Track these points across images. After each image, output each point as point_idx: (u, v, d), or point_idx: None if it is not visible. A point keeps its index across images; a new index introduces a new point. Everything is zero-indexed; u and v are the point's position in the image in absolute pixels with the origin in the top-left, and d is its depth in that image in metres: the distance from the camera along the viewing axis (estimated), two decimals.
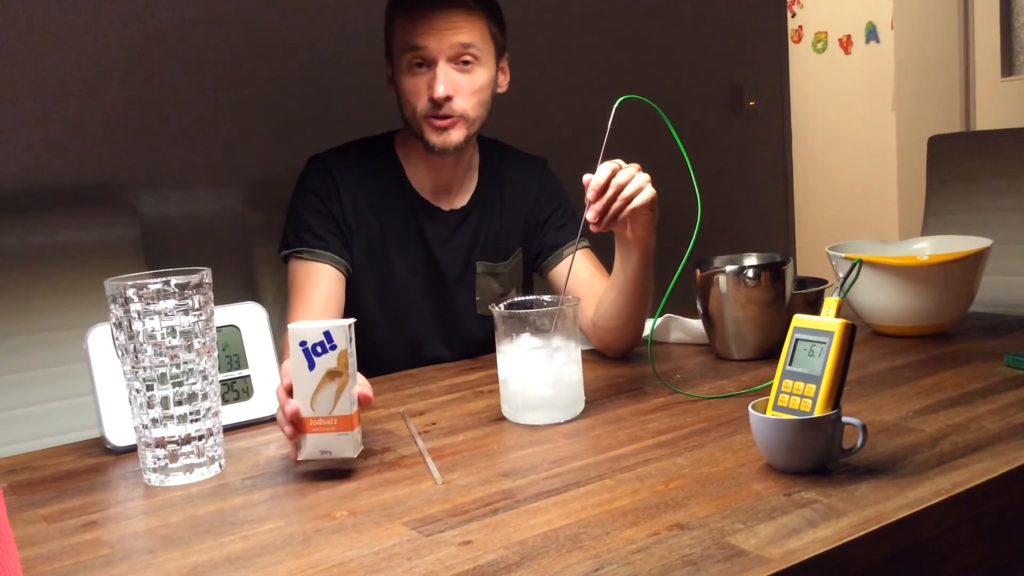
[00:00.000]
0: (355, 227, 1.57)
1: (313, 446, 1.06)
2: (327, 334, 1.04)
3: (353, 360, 1.07)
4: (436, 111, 1.48)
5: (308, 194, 1.56)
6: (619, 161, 1.29)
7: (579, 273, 1.57)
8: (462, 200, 1.64)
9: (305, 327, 1.05)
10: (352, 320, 1.08)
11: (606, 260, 1.50)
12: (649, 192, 1.29)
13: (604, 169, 1.27)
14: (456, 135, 1.51)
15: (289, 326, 1.06)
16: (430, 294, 1.62)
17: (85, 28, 1.80)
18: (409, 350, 1.62)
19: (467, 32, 1.47)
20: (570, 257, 1.55)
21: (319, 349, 1.05)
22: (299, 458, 1.06)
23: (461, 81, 1.48)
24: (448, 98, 1.47)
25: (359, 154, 1.61)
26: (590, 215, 1.27)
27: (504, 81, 1.59)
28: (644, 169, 1.31)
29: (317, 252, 1.52)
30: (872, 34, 4.31)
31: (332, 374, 1.05)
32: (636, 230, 1.34)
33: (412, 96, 1.50)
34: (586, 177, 1.27)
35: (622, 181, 1.27)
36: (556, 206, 1.69)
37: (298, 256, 1.53)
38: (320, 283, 1.50)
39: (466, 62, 1.48)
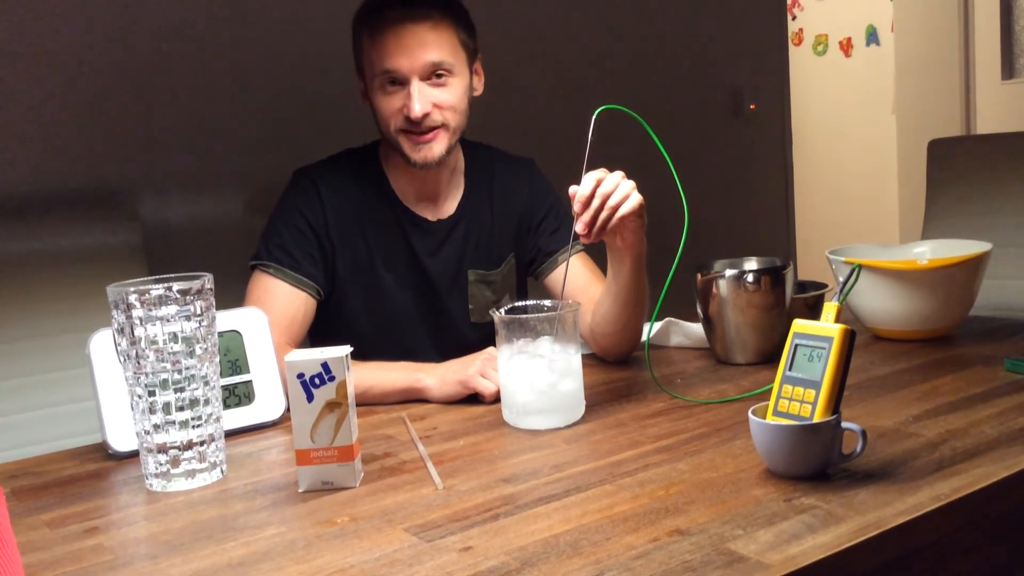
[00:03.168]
0: (340, 243, 1.54)
1: (314, 477, 1.06)
2: (325, 366, 1.04)
3: (351, 389, 1.07)
4: (414, 127, 1.47)
5: (291, 209, 1.54)
6: (603, 170, 1.29)
7: (575, 279, 1.56)
8: (449, 208, 1.62)
9: (302, 358, 1.05)
10: (349, 348, 1.08)
11: (601, 263, 1.51)
12: (636, 199, 1.29)
13: (589, 180, 1.27)
14: (438, 147, 1.50)
15: (286, 358, 1.05)
16: (421, 305, 1.61)
17: (88, 33, 1.81)
18: (403, 361, 1.60)
19: (436, 48, 1.45)
20: (566, 263, 1.54)
21: (317, 381, 1.04)
22: (300, 489, 1.06)
23: (437, 95, 1.47)
24: (425, 115, 1.46)
25: (345, 167, 1.59)
26: (579, 227, 1.27)
27: (479, 83, 1.57)
28: (636, 174, 1.31)
29: (284, 271, 1.49)
30: (872, 37, 4.31)
31: (331, 405, 1.05)
32: (626, 237, 1.34)
33: (387, 114, 1.48)
34: (572, 189, 1.27)
35: (607, 191, 1.27)
36: (548, 209, 1.67)
37: (264, 269, 1.50)
38: (274, 304, 1.46)
39: (439, 75, 1.47)
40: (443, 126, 1.49)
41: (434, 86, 1.47)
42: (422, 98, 1.45)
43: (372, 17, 1.47)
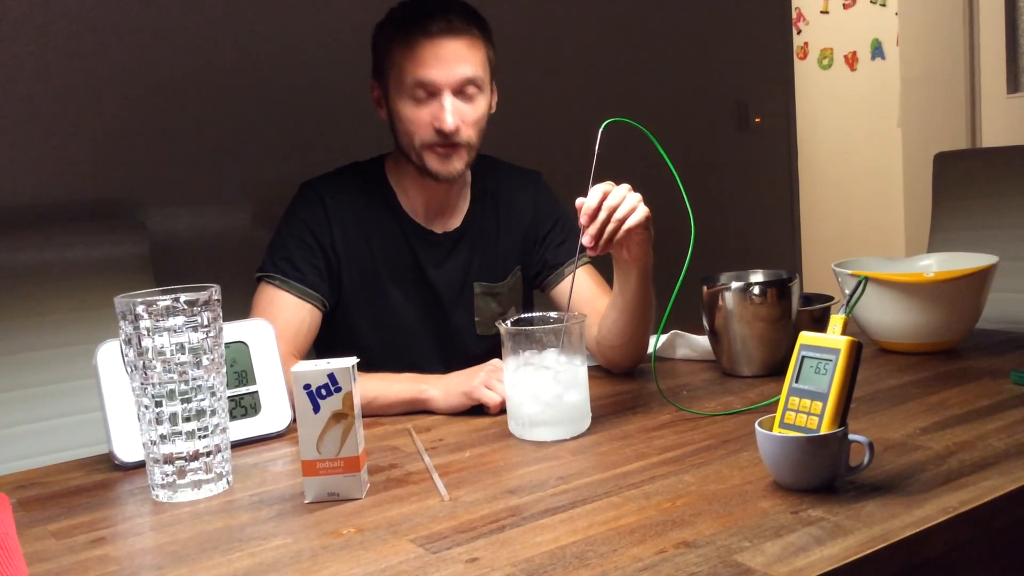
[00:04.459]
0: (345, 256, 1.55)
1: (320, 488, 1.06)
2: (331, 376, 1.05)
3: (358, 400, 1.07)
4: (441, 140, 1.48)
5: (297, 222, 1.54)
6: (610, 183, 1.29)
7: (581, 291, 1.56)
8: (455, 222, 1.62)
9: (309, 369, 1.05)
10: (355, 360, 1.08)
11: (607, 275, 1.51)
12: (642, 211, 1.29)
13: (595, 192, 1.27)
14: (459, 163, 1.51)
15: (292, 369, 1.06)
16: (427, 317, 1.61)
17: (95, 45, 1.82)
18: (408, 372, 1.59)
19: (471, 64, 1.47)
20: (571, 276, 1.54)
21: (323, 392, 1.05)
22: (306, 500, 1.06)
23: (465, 111, 1.48)
24: (456, 129, 1.47)
25: (350, 180, 1.59)
26: (585, 240, 1.28)
27: (494, 101, 1.58)
28: (642, 187, 1.31)
29: (290, 283, 1.50)
30: (878, 51, 4.32)
31: (338, 416, 1.05)
32: (632, 249, 1.35)
33: (414, 125, 1.49)
34: (578, 201, 1.28)
35: (614, 203, 1.27)
36: (554, 222, 1.68)
37: (269, 281, 1.51)
38: (279, 315, 1.47)
39: (469, 91, 1.48)
40: (466, 145, 1.50)
41: (464, 101, 1.48)
42: (455, 111, 1.46)
43: (410, 25, 1.47)
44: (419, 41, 1.45)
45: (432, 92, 1.47)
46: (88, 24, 1.81)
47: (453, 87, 1.46)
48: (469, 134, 1.50)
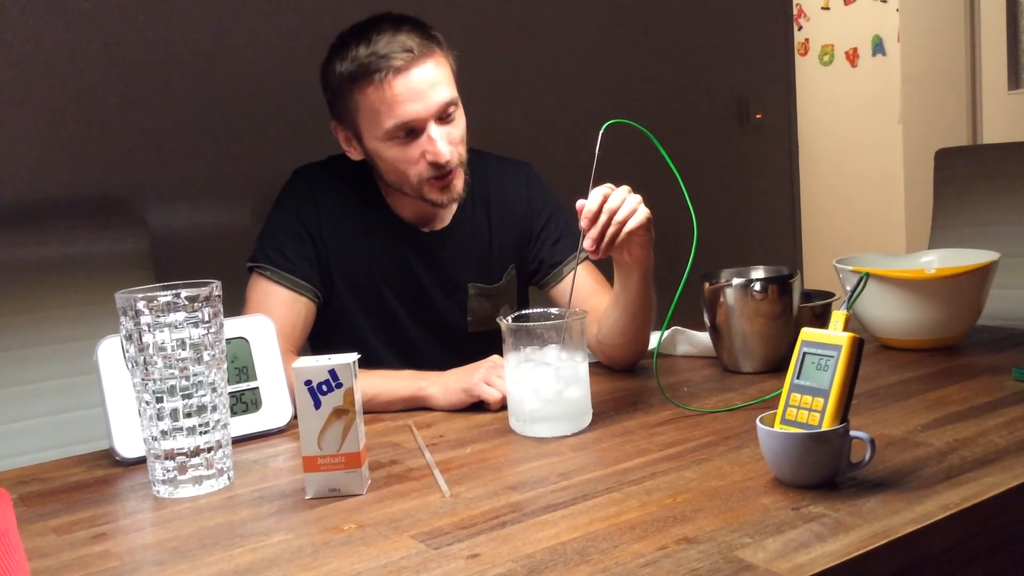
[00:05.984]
0: (334, 249, 1.53)
1: (322, 484, 1.06)
2: (332, 372, 1.05)
3: (359, 396, 1.07)
4: (437, 172, 1.45)
5: (287, 212, 1.53)
6: (609, 185, 1.29)
7: (580, 290, 1.54)
8: (443, 221, 1.60)
9: (310, 365, 1.05)
10: (356, 356, 1.08)
11: (607, 273, 1.50)
12: (643, 213, 1.28)
13: (595, 195, 1.26)
14: (459, 183, 1.49)
15: (293, 365, 1.06)
16: (419, 315, 1.60)
17: (95, 40, 1.82)
18: (404, 368, 1.58)
19: (444, 84, 1.43)
20: (571, 274, 1.53)
21: (325, 388, 1.05)
22: (307, 496, 1.06)
23: (451, 133, 1.45)
24: (451, 157, 1.44)
25: (342, 173, 1.57)
26: (587, 243, 1.27)
27: None
28: (646, 186, 1.31)
29: (281, 274, 1.49)
30: (879, 47, 4.32)
31: (339, 412, 1.05)
32: (633, 251, 1.34)
33: (405, 165, 1.45)
34: (579, 203, 1.27)
35: (614, 206, 1.26)
36: (548, 217, 1.65)
37: (261, 273, 1.50)
38: (274, 311, 1.45)
39: (450, 112, 1.45)
40: (459, 165, 1.48)
41: (446, 124, 1.45)
42: (445, 139, 1.43)
43: (372, 65, 1.40)
44: (388, 80, 1.39)
45: (416, 129, 1.43)
46: (88, 21, 1.81)
47: (435, 117, 1.43)
48: (459, 152, 1.47)
